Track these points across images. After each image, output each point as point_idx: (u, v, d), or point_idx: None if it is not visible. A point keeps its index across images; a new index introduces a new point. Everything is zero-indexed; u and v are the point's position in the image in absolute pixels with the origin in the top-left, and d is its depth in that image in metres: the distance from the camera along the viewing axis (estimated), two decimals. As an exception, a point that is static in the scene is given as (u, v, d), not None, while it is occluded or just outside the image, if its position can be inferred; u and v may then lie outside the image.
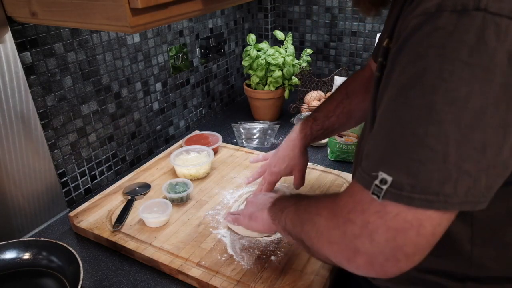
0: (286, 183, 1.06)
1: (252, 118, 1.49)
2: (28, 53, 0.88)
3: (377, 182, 0.44)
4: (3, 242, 0.80)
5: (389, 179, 0.43)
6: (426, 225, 0.43)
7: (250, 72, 1.40)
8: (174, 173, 1.13)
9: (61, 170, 1.02)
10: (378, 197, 0.43)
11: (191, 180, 1.06)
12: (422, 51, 0.42)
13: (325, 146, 1.26)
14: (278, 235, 0.87)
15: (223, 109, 1.61)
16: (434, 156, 0.41)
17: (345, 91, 0.89)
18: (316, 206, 0.57)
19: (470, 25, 0.39)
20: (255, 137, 1.32)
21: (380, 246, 0.45)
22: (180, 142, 1.26)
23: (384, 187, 0.43)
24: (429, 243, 0.44)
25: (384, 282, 0.65)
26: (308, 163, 1.14)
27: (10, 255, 0.79)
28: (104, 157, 1.13)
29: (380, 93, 0.51)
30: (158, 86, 1.26)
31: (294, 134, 0.90)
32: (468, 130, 0.40)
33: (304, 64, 1.41)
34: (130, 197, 1.01)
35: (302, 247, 0.61)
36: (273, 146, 1.28)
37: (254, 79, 1.39)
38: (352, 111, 0.88)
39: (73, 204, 1.06)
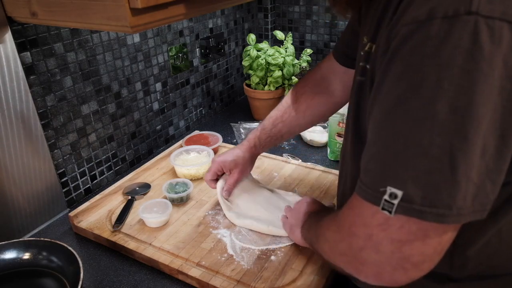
0: (292, 184, 1.06)
1: (252, 118, 1.49)
2: (28, 53, 0.88)
3: (386, 197, 0.43)
4: (3, 242, 0.80)
5: (399, 193, 0.42)
6: (432, 235, 0.43)
7: (250, 72, 1.40)
8: (174, 173, 1.13)
9: (61, 170, 1.02)
10: (390, 212, 0.43)
11: (191, 180, 1.06)
12: (416, 61, 0.41)
13: (325, 146, 1.26)
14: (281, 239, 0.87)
15: (223, 109, 1.61)
16: (441, 167, 0.40)
17: (294, 95, 0.90)
18: (327, 221, 0.59)
19: (464, 30, 0.38)
20: (255, 137, 1.32)
21: (386, 257, 0.45)
22: (180, 142, 1.26)
23: (395, 201, 0.42)
24: (437, 252, 0.44)
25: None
26: (308, 163, 1.14)
27: (10, 255, 0.79)
28: (104, 157, 1.13)
29: (369, 104, 0.50)
30: (158, 86, 1.26)
31: (245, 142, 0.94)
32: (471, 137, 0.39)
33: (304, 64, 1.40)
34: (130, 197, 1.01)
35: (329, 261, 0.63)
36: (273, 146, 1.28)
37: (254, 79, 1.39)
38: (301, 113, 0.89)
39: (73, 204, 1.06)
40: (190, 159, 1.14)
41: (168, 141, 1.36)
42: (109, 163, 1.15)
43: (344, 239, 0.50)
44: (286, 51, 1.40)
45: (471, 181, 0.40)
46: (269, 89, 1.39)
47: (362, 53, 0.56)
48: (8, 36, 0.83)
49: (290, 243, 0.85)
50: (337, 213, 0.54)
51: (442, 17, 0.39)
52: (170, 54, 1.27)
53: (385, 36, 0.46)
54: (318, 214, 0.73)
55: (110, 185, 1.07)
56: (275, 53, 1.37)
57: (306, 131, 1.28)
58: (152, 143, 1.29)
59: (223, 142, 1.27)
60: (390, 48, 0.44)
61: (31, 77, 0.90)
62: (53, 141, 0.98)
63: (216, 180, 0.96)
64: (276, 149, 1.24)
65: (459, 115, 0.39)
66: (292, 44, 1.42)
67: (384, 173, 0.44)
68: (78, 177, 1.07)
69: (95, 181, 1.12)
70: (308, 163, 1.15)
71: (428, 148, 0.40)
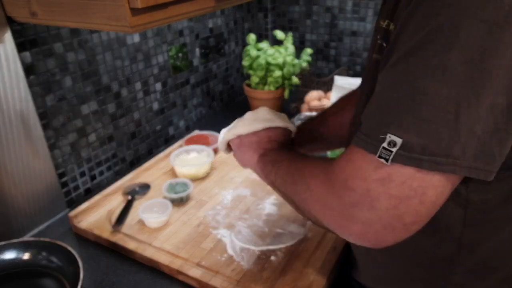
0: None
1: (252, 118, 1.49)
2: (28, 53, 0.88)
3: (385, 144, 0.41)
4: (3, 242, 0.80)
5: (399, 140, 0.40)
6: (430, 193, 0.42)
7: (250, 72, 1.40)
8: (174, 173, 1.12)
9: (61, 170, 1.01)
10: (387, 160, 0.41)
11: (191, 180, 1.06)
12: (435, 11, 0.39)
13: (325, 146, 1.25)
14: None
15: (223, 109, 1.61)
16: (444, 116, 0.39)
17: (340, 104, 0.88)
18: (312, 168, 0.55)
19: None
20: (255, 137, 1.32)
21: (379, 214, 0.43)
22: (180, 142, 1.26)
23: (394, 149, 0.41)
24: (429, 212, 0.44)
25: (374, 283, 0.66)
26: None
27: (10, 255, 0.79)
28: (104, 157, 1.13)
29: (380, 70, 0.48)
30: (158, 86, 1.26)
31: None
32: (480, 91, 0.38)
33: (304, 64, 1.40)
34: (130, 197, 1.01)
35: (289, 203, 0.60)
36: (273, 146, 1.28)
37: (254, 79, 1.39)
38: (343, 123, 0.83)
39: (73, 204, 1.06)
40: (190, 159, 1.14)
41: (168, 141, 1.36)
42: (109, 163, 1.15)
43: (334, 192, 0.47)
44: (286, 51, 1.40)
45: (474, 134, 0.39)
46: (269, 89, 1.39)
47: (382, 31, 0.54)
48: (8, 36, 0.83)
49: (290, 243, 0.85)
50: (330, 164, 0.50)
51: None
52: (170, 54, 1.27)
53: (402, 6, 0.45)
54: (290, 153, 0.66)
55: (110, 185, 1.07)
56: (275, 53, 1.37)
57: (306, 131, 1.28)
58: (152, 143, 1.29)
59: (223, 142, 1.26)
60: (409, 7, 0.43)
61: (31, 77, 0.90)
62: (53, 141, 0.98)
63: None
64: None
65: (470, 65, 0.38)
66: (292, 44, 1.42)
67: (385, 120, 0.42)
68: (78, 177, 1.07)
69: (95, 181, 1.12)
70: (308, 163, 1.15)
71: (434, 96, 0.39)
